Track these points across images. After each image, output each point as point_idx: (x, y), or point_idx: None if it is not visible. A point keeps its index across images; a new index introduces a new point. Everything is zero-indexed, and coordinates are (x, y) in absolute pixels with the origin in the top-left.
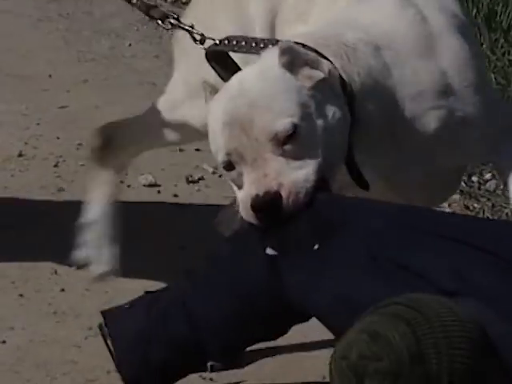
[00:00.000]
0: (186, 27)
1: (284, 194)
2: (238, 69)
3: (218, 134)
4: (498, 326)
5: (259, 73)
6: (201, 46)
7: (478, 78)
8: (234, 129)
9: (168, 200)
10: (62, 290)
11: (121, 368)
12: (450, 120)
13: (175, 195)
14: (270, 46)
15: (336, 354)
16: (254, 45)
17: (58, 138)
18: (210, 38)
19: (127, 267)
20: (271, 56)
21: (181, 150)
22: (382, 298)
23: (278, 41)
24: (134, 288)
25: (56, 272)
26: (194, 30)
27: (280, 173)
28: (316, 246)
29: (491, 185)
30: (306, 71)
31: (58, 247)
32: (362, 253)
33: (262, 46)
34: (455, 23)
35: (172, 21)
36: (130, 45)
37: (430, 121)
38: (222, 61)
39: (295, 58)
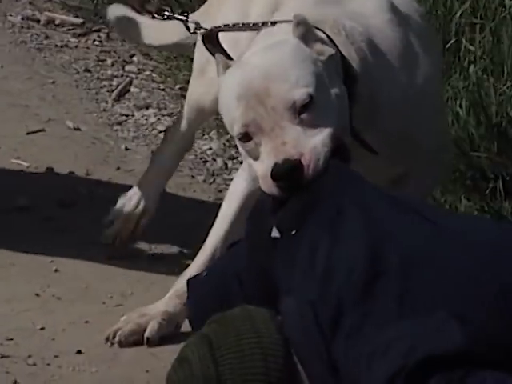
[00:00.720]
0: (181, 17)
1: (304, 161)
2: (226, 52)
3: (233, 107)
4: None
5: (273, 45)
6: (198, 32)
7: (438, 95)
8: (250, 100)
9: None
10: None
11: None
12: (409, 122)
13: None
14: (260, 24)
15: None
16: (243, 24)
17: None
18: (203, 28)
19: None
20: (282, 30)
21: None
22: None
23: (273, 22)
24: None
25: None
26: (189, 19)
27: (298, 140)
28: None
29: None
30: (319, 46)
31: None
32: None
33: (258, 25)
34: (428, 43)
35: (167, 13)
36: (1, 66)
37: (396, 119)
38: (217, 46)
39: (309, 32)
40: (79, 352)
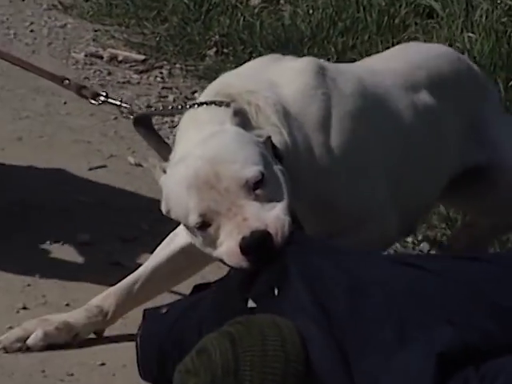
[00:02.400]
0: (116, 102)
1: (272, 230)
2: (159, 135)
3: (184, 199)
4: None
5: (212, 135)
6: (130, 116)
7: (353, 165)
8: (200, 188)
9: None
10: None
11: (140, 368)
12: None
13: None
14: (188, 106)
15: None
16: (172, 107)
17: None
18: (135, 112)
19: None
20: (207, 113)
21: None
22: None
23: (195, 103)
24: None
25: None
26: (123, 104)
27: (259, 214)
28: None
29: (425, 246)
30: (257, 130)
31: None
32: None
33: (180, 107)
34: (352, 110)
35: (102, 98)
36: (65, 103)
37: (315, 188)
38: (148, 128)
39: (246, 119)
40: None
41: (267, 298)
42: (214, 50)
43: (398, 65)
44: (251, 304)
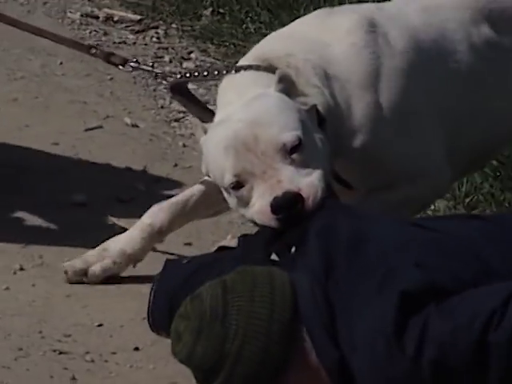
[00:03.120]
0: (147, 68)
1: (304, 194)
2: (199, 101)
3: (222, 159)
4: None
5: (254, 99)
6: (164, 82)
7: (403, 123)
8: (238, 149)
9: None
10: None
11: (150, 315)
12: (372, 147)
13: None
14: (224, 72)
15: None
16: (208, 73)
17: None
18: (169, 76)
19: None
20: (246, 78)
21: None
22: None
23: (232, 66)
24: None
25: None
26: (155, 70)
27: (293, 178)
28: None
29: None
30: (302, 98)
31: None
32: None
33: (217, 72)
34: (403, 67)
35: (132, 64)
36: (61, 63)
37: (360, 146)
38: (186, 94)
39: (291, 85)
40: (137, 349)
41: (285, 254)
42: (210, 9)
43: None
44: (274, 257)
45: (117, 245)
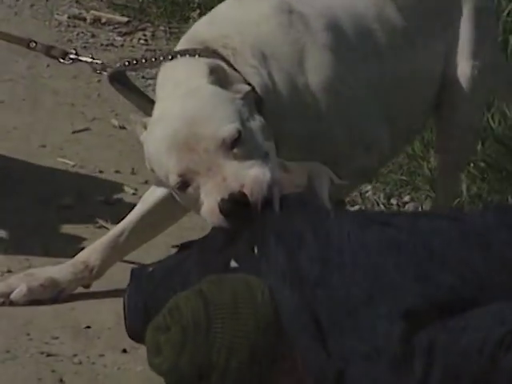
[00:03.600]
0: (86, 59)
1: (247, 191)
2: (140, 90)
3: (165, 160)
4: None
5: (189, 93)
6: (104, 72)
7: (337, 98)
8: (180, 149)
9: None
10: None
11: (127, 326)
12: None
13: None
14: (162, 58)
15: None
16: (145, 60)
17: None
18: (109, 66)
19: None
20: (184, 65)
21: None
22: None
23: (169, 53)
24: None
25: None
26: (94, 60)
27: (237, 173)
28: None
29: (410, 207)
30: (235, 86)
31: None
32: None
33: (154, 59)
34: (326, 44)
35: (72, 56)
36: (48, 65)
37: (296, 129)
38: (126, 84)
39: (222, 75)
40: (124, 351)
41: (247, 257)
42: (198, 12)
43: None
44: (233, 264)
45: (46, 271)
